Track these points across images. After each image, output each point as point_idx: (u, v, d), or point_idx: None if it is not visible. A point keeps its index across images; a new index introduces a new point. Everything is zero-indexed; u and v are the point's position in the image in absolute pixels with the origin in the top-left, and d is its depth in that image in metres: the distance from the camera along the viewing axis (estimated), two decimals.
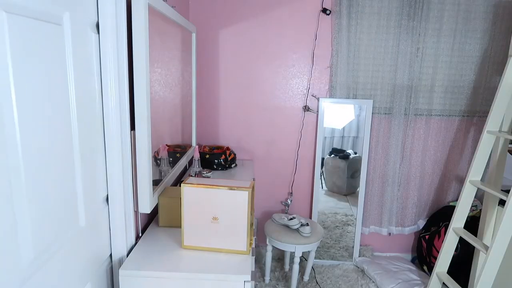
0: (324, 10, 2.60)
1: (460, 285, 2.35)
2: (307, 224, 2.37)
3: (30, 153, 0.93)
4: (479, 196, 2.78)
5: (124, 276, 1.32)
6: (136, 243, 1.54)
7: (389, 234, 2.96)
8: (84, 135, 1.21)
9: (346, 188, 2.87)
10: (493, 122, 2.12)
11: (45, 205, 1.00)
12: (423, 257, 2.75)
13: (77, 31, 1.14)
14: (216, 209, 1.42)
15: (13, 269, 0.89)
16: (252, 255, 1.57)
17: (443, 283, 2.27)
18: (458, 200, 2.24)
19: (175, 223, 1.67)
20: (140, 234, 1.61)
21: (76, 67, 1.14)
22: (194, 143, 2.61)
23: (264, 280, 2.63)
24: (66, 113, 1.10)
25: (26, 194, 0.92)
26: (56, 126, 1.04)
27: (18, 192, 0.90)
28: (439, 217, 2.75)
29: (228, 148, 2.63)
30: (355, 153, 2.81)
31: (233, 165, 2.59)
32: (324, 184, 2.88)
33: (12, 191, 0.87)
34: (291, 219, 2.42)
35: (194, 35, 2.45)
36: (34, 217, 0.95)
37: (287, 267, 2.80)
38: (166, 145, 1.82)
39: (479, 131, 2.76)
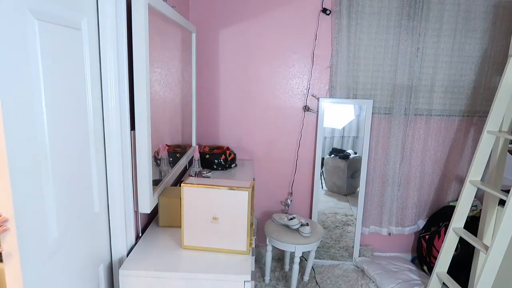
0: (324, 10, 2.60)
1: (460, 285, 2.35)
2: (307, 224, 2.37)
3: (55, 142, 1.03)
4: (479, 196, 2.78)
5: (124, 276, 1.31)
6: (136, 243, 1.54)
7: (389, 234, 2.96)
8: (97, 131, 1.30)
9: (346, 188, 2.87)
10: (493, 122, 2.12)
11: (67, 190, 1.11)
12: (423, 257, 2.75)
13: (92, 34, 1.23)
14: (216, 209, 1.42)
15: (42, 245, 0.99)
16: (252, 255, 1.58)
17: (443, 283, 2.27)
18: (458, 200, 2.24)
19: (175, 223, 1.67)
20: (140, 234, 1.61)
21: (92, 67, 1.23)
22: (194, 143, 2.61)
23: (264, 280, 2.63)
24: (84, 110, 1.20)
25: (52, 180, 1.02)
26: (77, 120, 1.16)
27: (46, 178, 0.99)
28: (439, 217, 2.75)
29: (228, 148, 2.63)
30: (355, 153, 2.81)
31: (233, 165, 2.59)
32: (324, 184, 2.88)
33: (41, 176, 0.97)
34: (291, 219, 2.42)
35: (194, 35, 2.45)
36: (58, 200, 1.06)
37: (287, 267, 2.80)
38: (166, 145, 1.82)
39: (479, 131, 2.76)
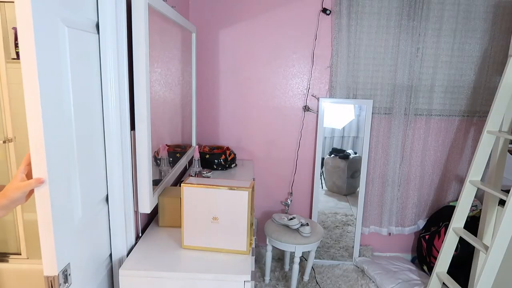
0: (324, 10, 2.60)
1: (460, 285, 2.35)
2: (307, 224, 2.37)
3: (80, 133, 1.16)
4: (479, 196, 2.78)
5: (124, 276, 1.32)
6: (136, 243, 1.54)
7: (389, 234, 2.96)
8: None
9: (346, 188, 2.87)
10: (493, 122, 2.12)
11: (89, 177, 1.23)
12: (423, 257, 2.75)
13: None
14: (216, 209, 1.42)
15: (70, 222, 1.10)
16: (252, 255, 1.58)
17: (443, 283, 2.27)
18: (458, 200, 2.24)
19: (175, 223, 1.67)
20: (140, 234, 1.61)
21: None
22: (194, 143, 2.61)
23: (264, 280, 2.63)
24: (99, 105, 1.30)
25: (78, 167, 1.15)
26: (97, 114, 1.28)
27: (73, 166, 1.12)
28: (439, 217, 2.75)
29: (228, 148, 2.63)
30: (355, 153, 2.81)
31: (233, 165, 2.59)
32: (324, 184, 2.88)
33: (69, 165, 1.09)
34: (291, 219, 2.42)
35: (194, 35, 2.45)
36: (82, 185, 1.18)
37: (287, 267, 2.80)
38: (166, 145, 1.82)
39: (479, 131, 2.76)
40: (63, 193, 1.05)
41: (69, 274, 1.10)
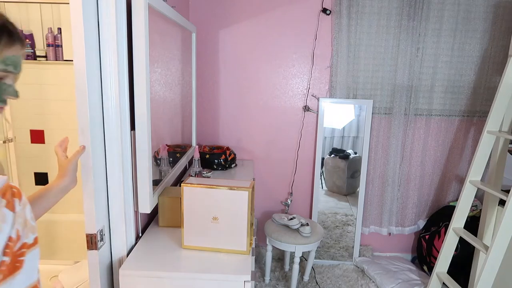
0: (324, 10, 2.60)
1: (460, 285, 2.35)
2: (307, 224, 2.37)
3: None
4: (479, 196, 2.78)
5: (124, 276, 1.31)
6: (136, 243, 1.54)
7: (389, 234, 2.96)
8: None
9: (346, 188, 2.87)
10: (493, 122, 2.12)
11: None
12: (423, 257, 2.75)
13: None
14: (216, 209, 1.42)
15: (104, 192, 1.38)
16: (252, 255, 1.57)
17: (443, 283, 2.27)
18: (458, 200, 2.24)
19: (175, 223, 1.67)
20: (140, 234, 1.61)
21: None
22: (194, 143, 2.61)
23: (264, 280, 2.63)
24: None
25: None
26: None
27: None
28: (439, 217, 2.75)
29: (228, 148, 2.63)
30: (355, 153, 2.81)
31: (233, 165, 2.59)
32: (324, 184, 2.87)
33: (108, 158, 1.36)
34: (291, 219, 2.42)
35: (194, 35, 2.45)
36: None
37: (287, 267, 2.80)
38: (166, 145, 1.82)
39: (479, 131, 2.76)
40: (100, 166, 1.31)
41: (104, 235, 1.35)
